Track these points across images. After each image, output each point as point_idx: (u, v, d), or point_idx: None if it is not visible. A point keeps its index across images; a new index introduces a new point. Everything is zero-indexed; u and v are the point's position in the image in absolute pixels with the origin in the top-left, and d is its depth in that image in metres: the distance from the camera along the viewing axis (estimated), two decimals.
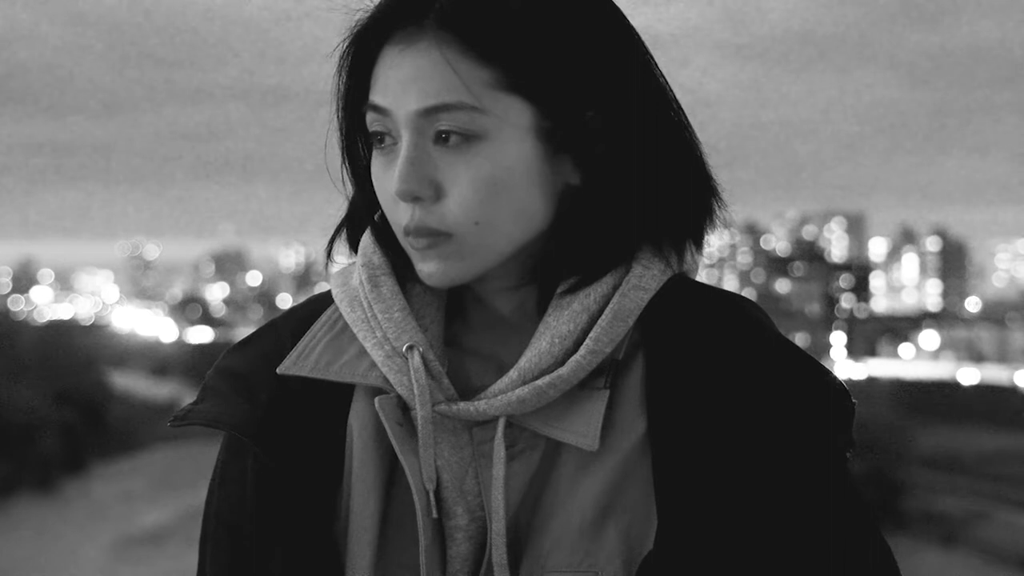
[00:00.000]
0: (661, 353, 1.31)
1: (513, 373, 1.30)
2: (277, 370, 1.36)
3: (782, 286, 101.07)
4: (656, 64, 1.36)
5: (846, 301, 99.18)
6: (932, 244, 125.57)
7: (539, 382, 1.28)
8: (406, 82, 1.28)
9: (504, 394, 1.29)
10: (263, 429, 1.34)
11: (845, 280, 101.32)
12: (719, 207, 1.38)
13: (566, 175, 1.32)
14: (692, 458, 1.27)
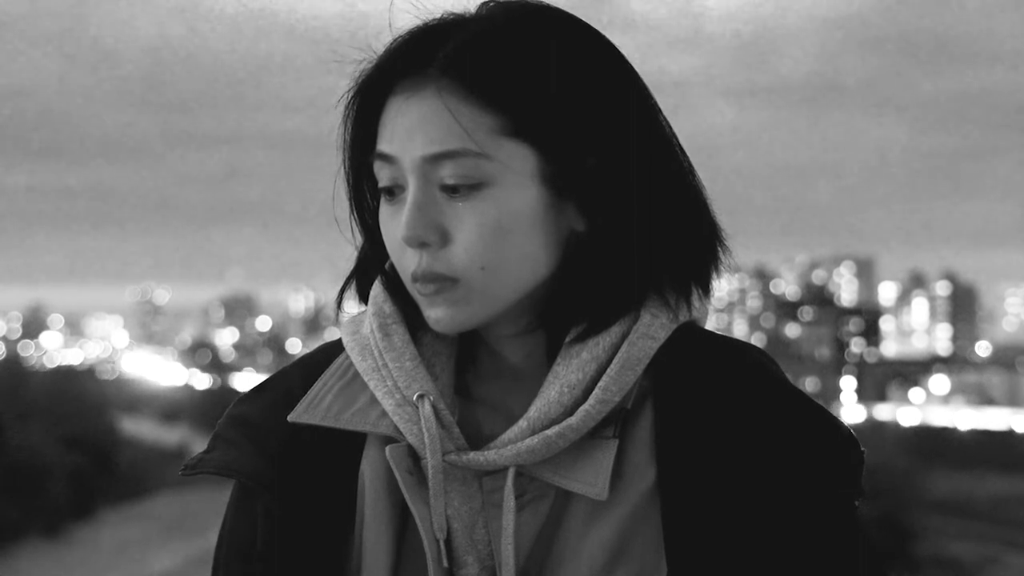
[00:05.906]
0: (670, 402, 1.32)
1: (523, 423, 1.30)
2: (288, 418, 1.36)
3: (792, 330, 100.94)
4: (660, 109, 1.36)
5: (856, 345, 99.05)
6: (942, 288, 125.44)
7: (548, 432, 1.28)
8: (412, 129, 1.28)
9: (514, 444, 1.29)
10: (274, 477, 1.35)
11: (855, 324, 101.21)
12: (724, 253, 1.38)
13: (571, 221, 1.31)
14: (701, 507, 1.27)
